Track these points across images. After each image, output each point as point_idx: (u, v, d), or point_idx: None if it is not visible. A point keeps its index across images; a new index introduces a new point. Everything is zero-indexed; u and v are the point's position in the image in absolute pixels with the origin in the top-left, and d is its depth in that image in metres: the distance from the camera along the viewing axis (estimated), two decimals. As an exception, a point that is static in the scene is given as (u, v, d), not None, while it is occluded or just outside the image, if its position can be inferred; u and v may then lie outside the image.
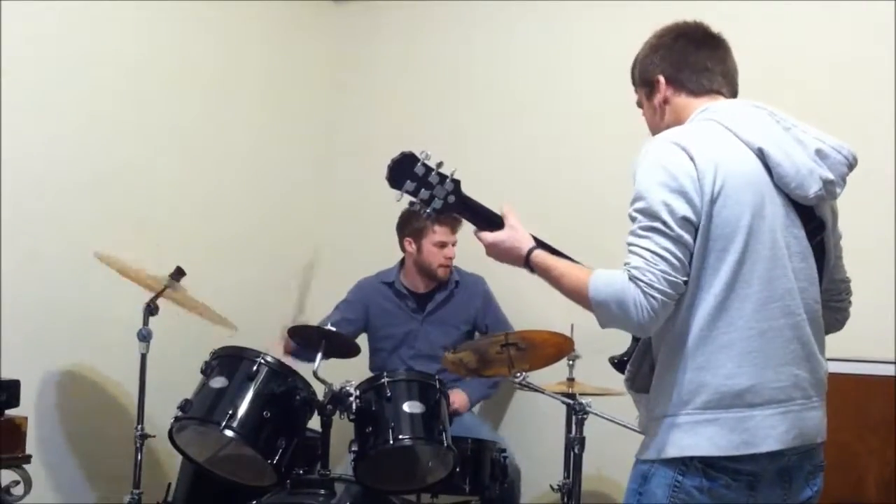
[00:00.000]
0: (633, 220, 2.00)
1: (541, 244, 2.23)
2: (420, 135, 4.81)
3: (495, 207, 2.31)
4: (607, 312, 1.98)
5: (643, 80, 2.25)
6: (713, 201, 1.96)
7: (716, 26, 2.28)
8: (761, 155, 2.02)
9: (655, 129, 2.23)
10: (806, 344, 2.04)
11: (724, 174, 1.97)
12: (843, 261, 2.26)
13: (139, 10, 4.18)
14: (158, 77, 4.30)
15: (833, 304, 2.23)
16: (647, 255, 1.93)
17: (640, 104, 2.30)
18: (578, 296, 2.04)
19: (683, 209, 1.94)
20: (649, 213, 1.96)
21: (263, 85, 4.87)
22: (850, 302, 2.30)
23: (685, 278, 1.95)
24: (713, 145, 2.01)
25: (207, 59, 4.55)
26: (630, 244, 1.98)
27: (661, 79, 2.20)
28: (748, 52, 3.64)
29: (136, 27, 4.20)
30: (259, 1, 4.77)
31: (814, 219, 2.09)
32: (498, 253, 2.25)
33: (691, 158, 1.97)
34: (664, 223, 1.93)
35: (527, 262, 2.20)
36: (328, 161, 5.16)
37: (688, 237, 1.94)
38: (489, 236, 2.24)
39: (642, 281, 1.91)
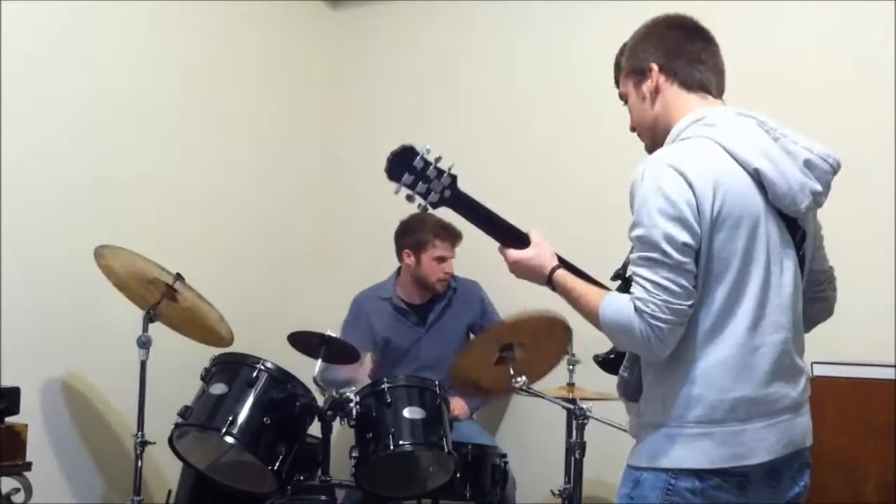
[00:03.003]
0: (634, 246, 2.01)
1: (565, 264, 2.23)
2: (421, 137, 4.76)
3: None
4: (615, 338, 2.04)
5: (633, 67, 2.21)
6: (713, 226, 1.96)
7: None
8: (757, 175, 2.02)
9: (642, 119, 2.21)
10: (789, 354, 2.06)
11: (721, 198, 1.97)
12: (825, 251, 2.26)
13: (138, 14, 4.19)
14: (157, 81, 4.30)
15: (812, 296, 2.23)
16: (649, 285, 1.94)
17: (623, 96, 2.27)
18: (592, 320, 2.07)
19: (682, 236, 1.93)
20: (648, 243, 1.96)
21: (262, 89, 4.87)
22: (833, 289, 2.29)
23: (690, 302, 1.94)
24: (711, 168, 1.99)
25: (206, 62, 4.56)
26: (633, 272, 1.99)
27: (655, 66, 2.17)
28: (748, 53, 3.70)
29: (136, 31, 4.20)
30: (258, 2, 4.77)
31: (798, 229, 2.10)
32: (521, 270, 2.25)
33: (689, 184, 1.96)
34: (663, 252, 1.93)
35: (549, 282, 2.20)
36: (328, 164, 5.16)
37: (689, 262, 1.94)
38: (513, 254, 2.24)
39: (646, 312, 1.92)
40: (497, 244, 2.29)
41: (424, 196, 2.23)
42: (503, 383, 3.43)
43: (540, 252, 2.23)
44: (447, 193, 2.24)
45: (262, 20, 4.83)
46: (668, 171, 1.98)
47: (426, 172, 2.22)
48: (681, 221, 1.94)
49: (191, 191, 4.47)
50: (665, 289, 1.92)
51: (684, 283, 1.93)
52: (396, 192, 2.24)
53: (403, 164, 2.21)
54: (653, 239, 1.95)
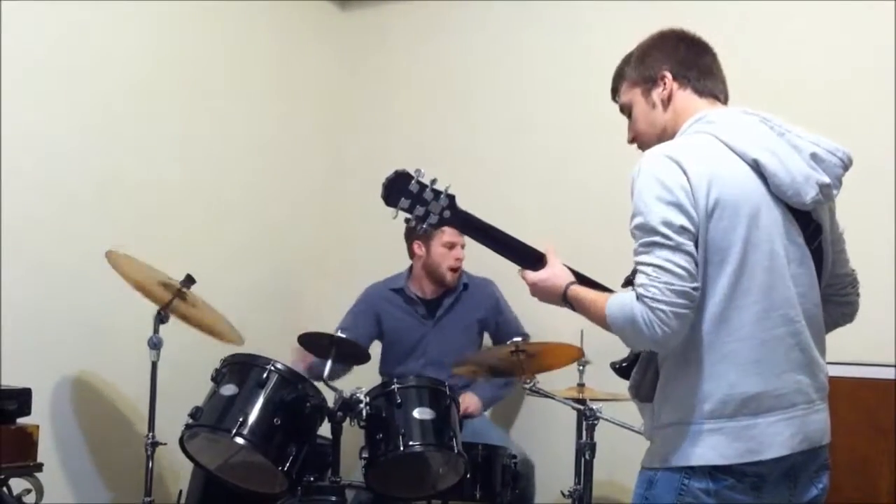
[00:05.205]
0: (634, 237, 2.01)
1: (580, 278, 2.24)
2: (429, 139, 4.83)
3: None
4: (623, 334, 2.02)
5: (643, 76, 2.23)
6: (709, 215, 1.97)
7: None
8: (756, 166, 2.02)
9: (650, 127, 2.23)
10: (806, 349, 2.05)
11: (718, 188, 1.98)
12: (847, 254, 2.26)
13: (145, 17, 4.20)
14: (164, 83, 4.32)
15: (838, 299, 2.24)
16: (649, 269, 1.94)
17: (625, 107, 2.30)
18: (602, 324, 2.07)
19: (679, 219, 1.95)
20: (647, 228, 1.97)
21: (270, 90, 4.88)
22: (857, 295, 2.29)
23: (694, 284, 1.94)
24: (706, 159, 2.01)
25: (214, 64, 4.57)
26: (635, 262, 2.00)
27: (668, 74, 2.19)
28: (749, 55, 3.70)
29: (142, 33, 4.21)
30: (266, 4, 4.78)
31: (811, 223, 2.10)
32: (539, 292, 2.27)
33: (684, 172, 1.98)
34: (662, 235, 1.94)
35: (565, 300, 2.22)
36: (336, 166, 5.17)
37: (689, 244, 1.95)
38: (531, 276, 2.26)
39: (647, 297, 1.92)
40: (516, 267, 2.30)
41: (423, 219, 2.24)
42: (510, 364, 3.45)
43: (554, 272, 2.24)
44: (446, 214, 2.25)
45: (270, 21, 4.85)
46: (664, 160, 2.01)
47: (423, 195, 2.23)
48: (677, 206, 1.95)
49: (198, 192, 4.48)
50: (665, 270, 1.92)
51: (685, 264, 1.93)
52: (394, 217, 2.25)
53: (399, 190, 2.22)
54: (650, 223, 1.96)
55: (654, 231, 1.95)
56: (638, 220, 1.99)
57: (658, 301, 1.91)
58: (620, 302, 1.99)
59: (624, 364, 2.25)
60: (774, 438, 1.98)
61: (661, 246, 1.94)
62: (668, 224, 1.94)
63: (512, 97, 4.67)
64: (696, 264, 1.95)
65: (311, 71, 5.11)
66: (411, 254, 4.28)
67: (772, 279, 2.00)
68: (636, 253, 2.00)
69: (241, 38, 4.72)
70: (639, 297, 1.94)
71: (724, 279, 1.98)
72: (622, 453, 3.53)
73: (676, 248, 1.94)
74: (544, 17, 4.58)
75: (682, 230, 1.94)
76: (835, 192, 2.09)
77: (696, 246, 1.96)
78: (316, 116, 5.11)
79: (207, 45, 4.54)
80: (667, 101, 2.20)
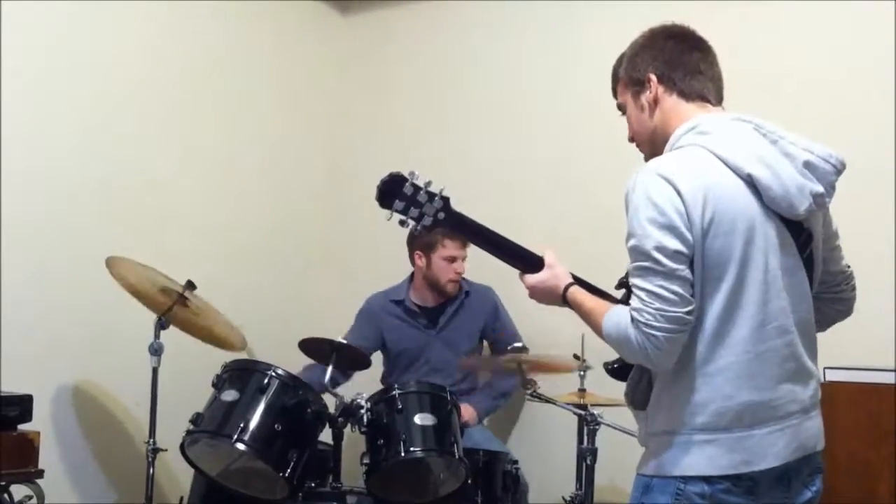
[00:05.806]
0: (630, 256, 2.02)
1: (578, 281, 2.25)
2: (430, 142, 4.82)
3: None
4: (619, 350, 2.06)
5: (632, 78, 2.22)
6: (705, 234, 1.97)
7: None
8: (750, 180, 2.02)
9: (641, 130, 2.22)
10: (798, 359, 2.06)
11: (712, 205, 1.98)
12: (841, 251, 2.25)
13: (145, 17, 4.20)
14: (164, 84, 4.31)
15: (832, 296, 2.24)
16: (643, 294, 1.95)
17: (621, 107, 2.29)
18: (599, 334, 2.09)
19: (673, 244, 1.95)
20: (640, 252, 1.97)
21: (271, 93, 4.89)
22: (851, 290, 2.28)
23: (687, 309, 1.95)
24: (700, 175, 2.00)
25: (215, 67, 4.57)
26: (630, 283, 2.01)
27: (653, 77, 2.18)
28: (749, 54, 3.70)
29: (142, 33, 4.22)
30: (267, 8, 4.79)
31: (803, 231, 2.10)
32: (539, 294, 2.28)
33: (678, 191, 1.97)
34: (655, 261, 1.95)
35: (564, 301, 2.23)
36: (337, 169, 5.17)
37: (683, 269, 1.95)
38: (529, 279, 2.27)
39: (640, 321, 1.94)
40: (517, 272, 2.31)
41: (417, 220, 2.24)
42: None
43: (554, 273, 2.25)
44: (440, 215, 2.25)
45: (271, 26, 4.85)
46: (657, 181, 1.99)
47: (417, 197, 2.23)
48: (671, 230, 1.95)
49: (199, 196, 4.48)
50: (658, 297, 1.93)
51: (678, 290, 1.94)
52: (389, 219, 2.25)
53: (394, 192, 2.22)
54: (644, 248, 1.96)
55: (647, 256, 1.96)
56: (632, 242, 1.99)
57: (651, 327, 1.93)
58: (616, 320, 2.01)
59: (615, 365, 2.26)
60: (769, 449, 1.99)
61: (655, 272, 1.95)
62: (661, 249, 1.94)
63: (513, 100, 4.66)
64: (692, 285, 1.96)
65: (311, 74, 5.11)
66: (413, 262, 4.27)
67: (767, 292, 2.01)
68: (631, 274, 2.00)
69: (242, 40, 4.72)
70: (633, 321, 1.95)
71: (721, 295, 1.98)
72: (623, 458, 3.52)
73: (670, 275, 1.94)
74: (544, 19, 4.58)
75: (675, 255, 1.94)
76: (828, 199, 2.09)
77: (693, 265, 1.97)
78: (316, 120, 5.11)
79: (208, 48, 4.54)
80: (653, 105, 2.19)
